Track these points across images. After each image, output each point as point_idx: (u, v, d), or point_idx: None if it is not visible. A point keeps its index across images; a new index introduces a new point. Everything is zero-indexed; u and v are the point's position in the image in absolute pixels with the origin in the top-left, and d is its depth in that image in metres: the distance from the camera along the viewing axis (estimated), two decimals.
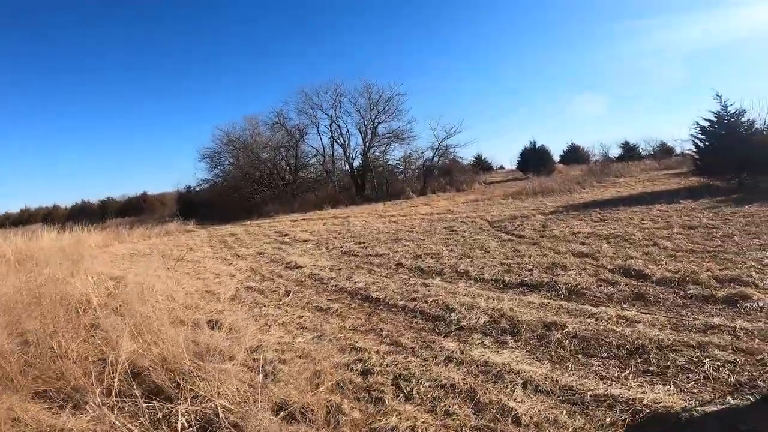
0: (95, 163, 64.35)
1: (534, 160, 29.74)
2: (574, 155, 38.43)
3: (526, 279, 5.39)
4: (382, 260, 7.48)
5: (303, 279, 6.86)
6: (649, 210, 9.49)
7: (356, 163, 26.42)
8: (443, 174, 25.45)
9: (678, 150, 32.00)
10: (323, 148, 26.76)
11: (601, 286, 4.84)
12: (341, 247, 9.27)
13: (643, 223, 8.05)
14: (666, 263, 5.29)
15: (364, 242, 9.48)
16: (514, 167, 40.52)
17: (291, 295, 5.97)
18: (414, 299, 5.07)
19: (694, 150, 14.62)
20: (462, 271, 6.09)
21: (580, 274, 5.29)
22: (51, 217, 42.13)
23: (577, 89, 64.83)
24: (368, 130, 25.38)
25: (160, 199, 45.71)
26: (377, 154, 26.02)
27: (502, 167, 47.39)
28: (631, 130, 75.41)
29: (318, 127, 26.20)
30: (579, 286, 4.86)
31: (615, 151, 34.26)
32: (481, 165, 38.24)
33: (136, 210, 42.26)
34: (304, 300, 5.70)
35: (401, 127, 25.32)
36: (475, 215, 11.92)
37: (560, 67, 66.09)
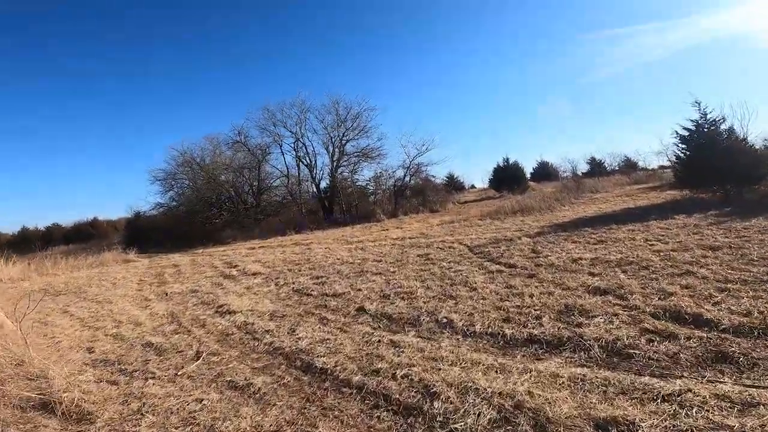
0: (52, 187, 59.68)
1: (507, 177, 28.98)
2: (545, 172, 38.33)
3: (535, 332, 3.87)
4: (341, 302, 5.81)
5: (231, 331, 5.09)
6: (647, 228, 8.35)
7: (323, 185, 24.77)
8: (416, 194, 24.12)
9: (641, 164, 32.81)
10: (287, 168, 24.99)
11: (652, 341, 3.37)
12: (294, 283, 7.54)
13: (651, 245, 6.79)
14: (723, 300, 3.92)
15: (322, 276, 7.79)
16: (486, 186, 40.09)
17: (202, 359, 4.22)
18: (377, 372, 3.43)
19: (675, 161, 14.07)
20: (444, 319, 4.51)
21: (612, 321, 3.82)
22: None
23: (541, 102, 66.24)
24: (336, 149, 23.90)
25: (114, 224, 42.48)
26: (345, 174, 24.48)
27: (473, 186, 47.04)
28: (594, 146, 77.83)
29: (281, 146, 24.49)
30: (619, 343, 3.38)
31: (583, 167, 34.55)
32: (454, 184, 37.45)
33: (84, 237, 38.83)
34: (217, 368, 3.96)
35: (371, 144, 23.97)
36: (452, 239, 10.46)
37: (526, 84, 67.52)
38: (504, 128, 62.89)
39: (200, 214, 24.49)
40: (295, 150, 24.33)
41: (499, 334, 3.98)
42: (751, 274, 4.59)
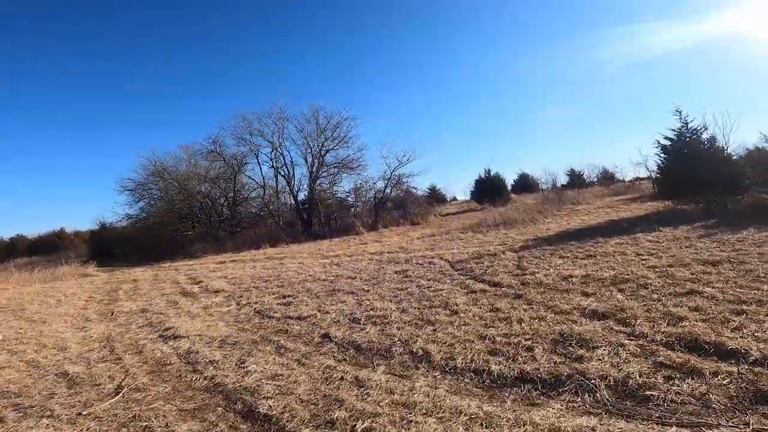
0: (19, 195, 56.81)
1: (489, 189, 28.71)
2: (525, 184, 38.42)
3: (527, 367, 3.24)
4: (305, 327, 5.08)
5: (169, 361, 4.31)
6: (635, 241, 7.94)
7: (301, 196, 23.97)
8: (396, 206, 23.56)
9: (619, 176, 33.35)
10: (263, 179, 24.12)
11: (671, 379, 2.79)
12: (257, 303, 6.76)
13: (643, 260, 6.32)
14: (744, 325, 3.40)
15: (289, 295, 7.04)
16: (467, 198, 39.90)
17: (121, 394, 3.45)
18: (332, 424, 2.73)
19: (656, 171, 13.95)
20: (420, 351, 3.84)
21: (618, 354, 3.23)
22: None
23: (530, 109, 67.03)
24: (315, 159, 23.19)
25: (82, 236, 40.51)
26: (325, 185, 23.77)
27: (455, 198, 46.85)
28: (574, 156, 79.13)
29: (258, 156, 23.62)
30: (631, 382, 2.79)
31: (562, 179, 34.84)
32: (435, 196, 37.10)
33: (50, 248, 36.81)
34: (136, 408, 3.22)
35: (351, 155, 23.34)
36: (432, 254, 9.86)
37: (508, 91, 68.27)
38: (485, 140, 63.21)
39: (170, 226, 23.36)
40: (272, 160, 23.53)
41: (484, 370, 3.34)
42: (763, 292, 4.09)
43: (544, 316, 4.31)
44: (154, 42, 54.27)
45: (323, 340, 4.50)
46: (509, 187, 34.11)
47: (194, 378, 3.80)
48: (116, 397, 3.41)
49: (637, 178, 29.36)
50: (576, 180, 33.19)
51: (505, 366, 3.34)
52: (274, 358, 4.06)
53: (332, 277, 8.33)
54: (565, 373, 3.08)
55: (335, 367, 3.71)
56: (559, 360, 3.32)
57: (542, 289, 5.40)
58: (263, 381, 3.53)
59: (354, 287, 7.06)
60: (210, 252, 19.53)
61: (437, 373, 3.43)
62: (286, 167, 23.40)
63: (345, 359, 3.91)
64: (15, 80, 50.21)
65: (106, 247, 24.54)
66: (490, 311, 4.75)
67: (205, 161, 24.39)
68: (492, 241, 10.91)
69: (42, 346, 5.19)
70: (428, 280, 6.91)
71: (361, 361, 3.83)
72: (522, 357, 3.47)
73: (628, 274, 5.50)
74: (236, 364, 3.99)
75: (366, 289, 6.81)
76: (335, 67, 60.81)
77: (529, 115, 67.14)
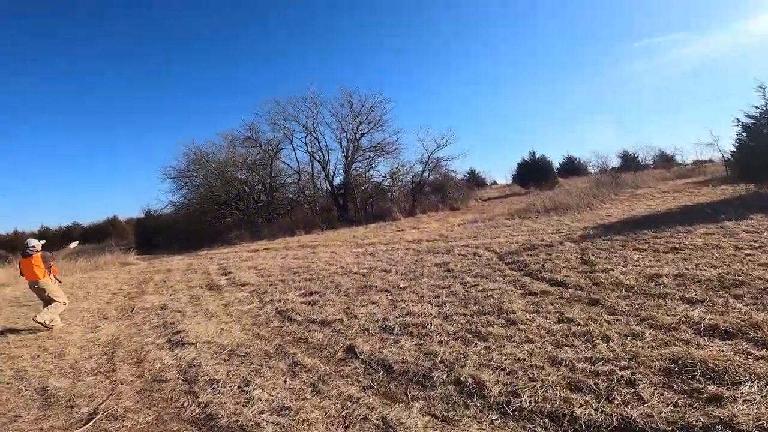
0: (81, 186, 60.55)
1: (534, 172, 26.86)
2: (572, 167, 35.96)
3: (633, 412, 2.24)
4: (327, 335, 4.27)
5: (166, 377, 3.63)
6: (727, 231, 6.56)
7: (337, 181, 23.34)
8: (435, 191, 22.42)
9: (679, 159, 30.41)
10: (298, 164, 23.65)
11: None
12: (280, 300, 6.05)
13: (748, 255, 5.02)
14: None
15: (316, 292, 6.28)
16: (509, 182, 38.01)
17: (93, 422, 2.80)
18: None
19: (734, 152, 12.20)
20: (470, 380, 2.90)
21: None
22: (12, 244, 38.39)
23: (578, 105, 63.24)
24: (350, 143, 22.36)
25: (133, 223, 42.32)
26: (360, 169, 22.95)
27: (495, 182, 44.86)
28: (622, 141, 73.95)
29: (292, 141, 23.12)
30: None
31: (613, 162, 32.27)
32: (475, 180, 35.45)
33: (103, 236, 38.65)
34: None
35: (386, 138, 22.29)
36: (477, 243, 8.79)
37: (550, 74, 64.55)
38: (528, 122, 60.10)
39: (209, 213, 23.51)
40: (306, 145, 22.95)
41: (564, 415, 2.36)
42: None
43: (640, 333, 3.22)
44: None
45: (347, 356, 3.66)
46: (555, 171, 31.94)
47: (186, 403, 3.08)
48: (85, 426, 2.75)
49: (699, 161, 26.55)
50: (630, 163, 30.47)
51: (597, 409, 2.35)
52: (285, 381, 3.26)
53: (365, 270, 7.51)
54: (699, 423, 2.05)
55: (358, 399, 2.85)
56: (682, 401, 2.29)
57: (624, 292, 4.27)
58: (265, 416, 2.73)
59: (388, 283, 6.19)
60: (246, 239, 19.38)
61: (495, 416, 2.49)
62: (321, 152, 22.78)
63: (371, 386, 3.05)
64: (80, 81, 53.14)
65: (150, 235, 25.17)
66: (559, 322, 3.71)
67: (243, 148, 24.25)
68: (544, 228, 9.67)
69: (43, 350, 4.71)
70: (474, 276, 5.91)
71: (391, 391, 2.95)
72: (621, 395, 2.45)
73: (739, 275, 4.26)
74: (239, 387, 3.23)
75: (402, 285, 5.91)
76: (369, 47, 59.52)
77: (572, 98, 63.15)
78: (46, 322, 5.66)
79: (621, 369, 2.77)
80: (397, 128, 22.83)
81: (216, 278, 9.11)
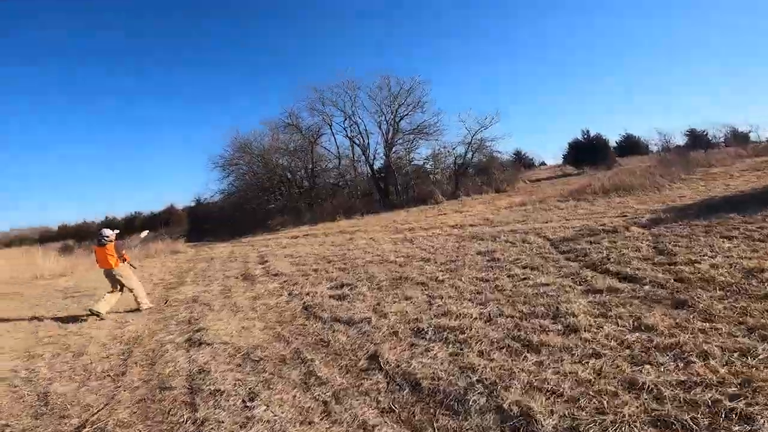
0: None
1: (589, 152, 24.85)
2: (631, 146, 33.12)
3: None
4: (352, 337, 3.76)
5: (172, 383, 3.28)
6: None
7: (377, 165, 22.80)
8: (479, 172, 21.29)
9: (753, 137, 27.24)
10: (338, 149, 23.34)
11: None
12: (309, 294, 5.64)
13: None
14: None
15: (348, 284, 5.80)
16: (559, 162, 35.81)
17: None
18: None
19: None
20: (515, 408, 2.26)
21: None
22: (81, 232, 41.51)
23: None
24: (389, 126, 21.68)
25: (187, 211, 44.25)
26: (401, 152, 22.24)
27: (543, 163, 42.48)
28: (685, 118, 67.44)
29: (331, 126, 22.78)
30: None
31: (678, 140, 29.31)
32: (521, 161, 33.55)
33: (160, 225, 40.81)
34: None
35: (427, 120, 21.39)
36: (526, 228, 7.94)
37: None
38: (579, 101, 56.09)
39: (254, 200, 23.86)
40: (345, 129, 22.53)
41: None
42: None
43: (751, 348, 2.42)
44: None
45: (370, 366, 3.12)
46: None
47: (183, 419, 2.69)
48: None
49: None
50: (699, 141, 27.48)
51: None
52: (295, 396, 2.78)
53: (402, 259, 6.94)
54: None
55: (374, 427, 2.31)
56: None
57: (719, 291, 3.40)
58: None
59: (426, 275, 5.59)
60: (288, 225, 19.44)
61: None
62: (361, 136, 22.27)
63: (392, 409, 2.49)
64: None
65: (200, 223, 26.07)
66: (636, 330, 2.95)
67: (285, 134, 24.29)
68: (604, 211, 8.60)
69: (65, 348, 4.59)
70: (524, 268, 5.16)
71: (415, 418, 2.38)
72: None
73: None
74: (243, 401, 2.80)
75: (440, 278, 5.28)
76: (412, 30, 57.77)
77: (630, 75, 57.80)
78: (101, 312, 5.87)
79: (730, 398, 2.03)
80: (437, 110, 21.88)
81: (252, 267, 8.94)
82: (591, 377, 2.45)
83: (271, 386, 2.97)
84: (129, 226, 42.36)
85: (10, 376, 3.89)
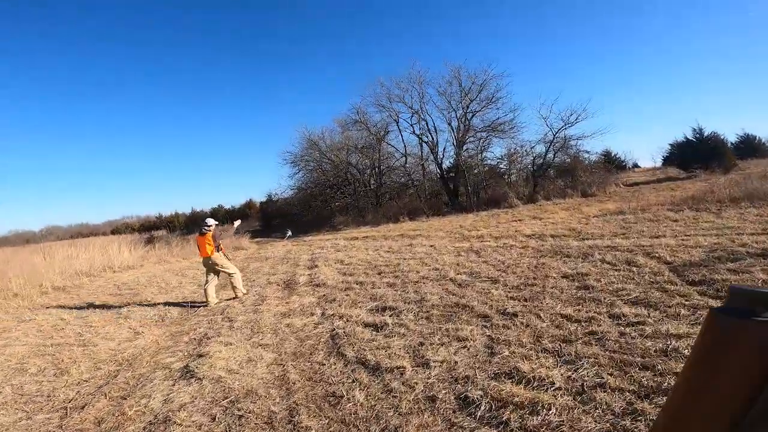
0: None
1: (700, 153, 21.06)
2: (750, 147, 27.78)
3: None
4: (370, 398, 2.63)
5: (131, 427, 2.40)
6: None
7: (446, 164, 21.34)
8: (561, 174, 18.92)
9: None
10: (405, 147, 22.25)
11: None
12: (342, 317, 4.62)
13: None
14: None
15: (390, 308, 4.68)
16: (657, 165, 31.39)
17: None
18: None
19: None
20: None
21: None
22: (173, 224, 45.19)
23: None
24: (460, 123, 20.06)
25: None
26: (472, 151, 20.53)
27: (637, 165, 37.60)
28: None
29: (398, 123, 21.72)
30: None
31: None
32: (613, 162, 29.77)
33: (241, 218, 42.76)
34: None
35: (501, 117, 19.41)
36: (628, 244, 6.19)
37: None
38: (677, 98, 49.18)
39: (320, 197, 23.69)
40: (412, 126, 21.34)
41: None
42: None
43: None
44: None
45: None
46: None
47: None
48: None
49: None
50: None
51: None
52: None
53: (463, 277, 5.65)
54: None
55: None
56: None
57: None
58: None
59: (491, 303, 4.27)
60: (351, 225, 18.83)
61: None
62: (429, 134, 20.96)
63: None
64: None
65: (270, 218, 26.64)
66: None
67: (353, 131, 23.82)
68: (739, 226, 6.52)
69: (55, 362, 4.03)
70: (633, 305, 3.64)
71: None
72: None
73: None
74: None
75: (510, 310, 3.95)
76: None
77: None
78: (238, 294, 6.45)
79: None
80: (513, 105, 19.87)
81: (299, 272, 8.19)
82: None
83: None
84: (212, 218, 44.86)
85: None
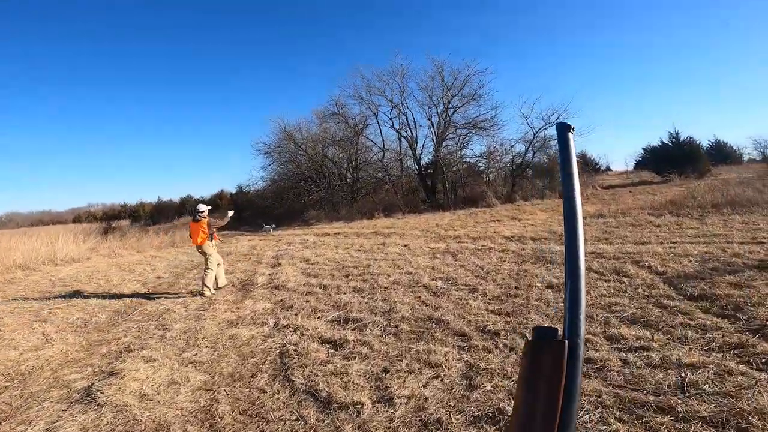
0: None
1: (676, 157, 21.26)
2: (721, 154, 28.51)
3: None
4: None
5: None
6: None
7: (425, 161, 20.83)
8: (539, 174, 18.73)
9: None
10: (383, 141, 21.59)
11: None
12: (298, 330, 3.97)
13: None
14: None
15: (355, 321, 4.06)
16: (628, 168, 32.02)
17: None
18: None
19: None
20: None
21: None
22: (137, 214, 43.04)
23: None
24: (440, 119, 19.59)
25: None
26: (452, 148, 20.08)
27: (609, 168, 38.23)
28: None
29: (377, 116, 21.03)
30: None
31: None
32: (589, 165, 30.02)
33: (211, 209, 41.03)
34: None
35: (482, 114, 19.04)
36: (613, 251, 5.77)
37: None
38: (652, 102, 50.36)
39: (292, 191, 22.77)
40: (391, 120, 20.71)
41: None
42: None
43: None
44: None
45: None
46: None
47: None
48: None
49: None
50: None
51: None
52: None
53: (439, 283, 5.09)
54: None
55: None
56: None
57: None
58: None
59: (469, 317, 3.71)
60: (324, 219, 18.07)
61: None
62: (409, 128, 20.37)
63: None
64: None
65: (239, 211, 25.48)
66: None
67: (331, 124, 22.95)
68: (726, 234, 6.21)
69: None
70: (630, 323, 3.15)
71: None
72: None
73: None
74: None
75: (490, 327, 3.39)
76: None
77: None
78: (204, 292, 5.89)
79: None
80: (495, 102, 19.52)
81: (260, 271, 7.46)
82: None
83: None
84: (179, 211, 43.26)
85: None
